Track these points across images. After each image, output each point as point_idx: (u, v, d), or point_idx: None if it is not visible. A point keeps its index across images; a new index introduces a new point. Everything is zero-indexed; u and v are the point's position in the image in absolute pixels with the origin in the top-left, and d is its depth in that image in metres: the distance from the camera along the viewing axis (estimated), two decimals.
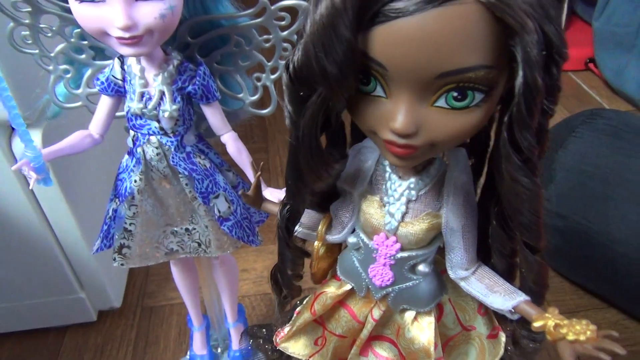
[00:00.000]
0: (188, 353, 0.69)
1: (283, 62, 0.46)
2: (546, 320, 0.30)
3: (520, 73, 0.23)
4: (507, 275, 0.34)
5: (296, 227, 0.37)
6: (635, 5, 1.22)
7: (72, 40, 0.44)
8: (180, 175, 0.44)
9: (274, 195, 0.43)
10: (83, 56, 0.45)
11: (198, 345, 0.67)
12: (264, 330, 0.46)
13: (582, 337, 0.28)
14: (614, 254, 0.71)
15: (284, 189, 0.45)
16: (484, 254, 0.35)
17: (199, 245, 0.50)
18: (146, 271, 0.88)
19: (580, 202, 0.75)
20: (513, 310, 0.33)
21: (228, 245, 0.50)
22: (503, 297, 0.33)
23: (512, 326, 0.37)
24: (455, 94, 0.25)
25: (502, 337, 0.39)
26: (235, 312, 0.65)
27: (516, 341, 0.37)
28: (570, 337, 0.28)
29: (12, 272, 0.69)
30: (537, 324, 0.30)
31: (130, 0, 0.34)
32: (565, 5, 1.46)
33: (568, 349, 0.29)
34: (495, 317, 0.40)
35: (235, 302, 0.64)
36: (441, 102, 0.25)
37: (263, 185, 0.45)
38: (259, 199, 0.38)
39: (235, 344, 0.67)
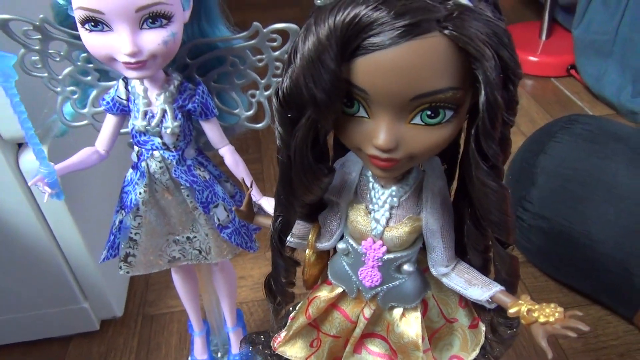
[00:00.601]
0: (189, 358, 0.71)
1: (275, 79, 0.49)
2: (520, 306, 0.33)
3: (483, 92, 0.27)
4: (483, 269, 0.38)
5: (288, 238, 0.40)
6: (612, 14, 1.27)
7: (79, 63, 0.47)
8: (181, 187, 0.47)
9: (270, 203, 0.47)
10: (89, 78, 0.48)
11: (199, 350, 0.70)
12: (262, 336, 0.48)
13: (551, 319, 0.31)
14: (594, 253, 0.75)
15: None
16: (461, 251, 0.38)
17: (200, 252, 0.53)
18: (146, 280, 0.90)
19: (561, 204, 0.78)
20: (490, 300, 0.36)
21: (227, 252, 0.53)
22: (481, 288, 0.36)
23: (490, 315, 0.40)
24: (428, 113, 0.29)
25: (482, 327, 0.43)
26: (234, 317, 0.68)
27: (494, 329, 0.40)
28: (542, 319, 0.31)
29: (19, 284, 0.71)
30: (512, 310, 0.34)
31: (135, 29, 0.38)
32: (547, 14, 1.51)
33: (540, 330, 0.32)
34: (474, 309, 0.43)
35: (234, 307, 0.67)
36: (417, 120, 0.29)
37: (258, 195, 0.48)
38: (251, 214, 0.41)
39: (234, 348, 0.70)
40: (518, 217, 0.83)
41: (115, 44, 0.38)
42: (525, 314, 0.33)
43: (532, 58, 1.46)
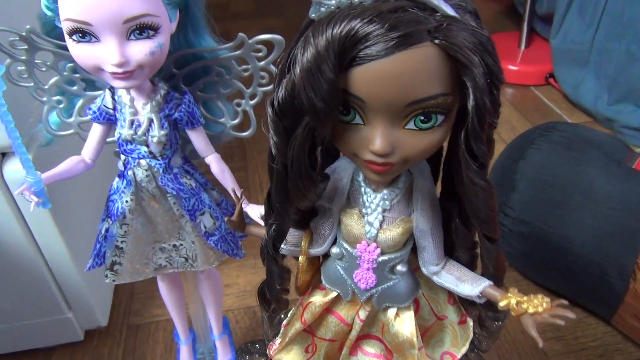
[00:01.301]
0: None
1: (261, 89, 0.50)
2: (509, 299, 0.35)
3: (472, 97, 0.29)
4: (470, 265, 0.39)
5: (282, 245, 0.40)
6: (587, 24, 1.31)
7: (65, 73, 0.47)
8: (168, 195, 0.48)
9: (255, 210, 0.47)
10: (75, 88, 0.49)
11: (185, 359, 0.70)
12: (257, 345, 0.49)
13: (539, 309, 0.32)
14: (573, 256, 0.77)
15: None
16: (448, 249, 0.39)
17: (186, 260, 0.53)
18: (131, 290, 0.90)
19: (541, 209, 0.80)
20: (480, 295, 0.37)
21: (213, 259, 0.53)
22: (471, 284, 0.37)
23: (477, 310, 0.42)
24: (422, 118, 0.30)
25: (470, 322, 0.44)
26: (221, 325, 0.68)
27: (482, 323, 0.42)
28: (531, 310, 0.33)
29: (2, 295, 0.70)
30: (502, 303, 0.35)
31: (122, 39, 0.38)
32: (526, 25, 1.55)
33: (530, 320, 0.33)
34: (462, 305, 0.44)
35: (220, 315, 0.67)
36: (410, 125, 0.30)
37: (245, 203, 0.49)
38: (242, 224, 0.42)
39: (221, 356, 0.70)
40: (500, 223, 0.84)
41: (102, 54, 0.38)
42: (514, 306, 0.34)
43: (511, 67, 1.49)
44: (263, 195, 1.12)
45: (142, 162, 0.46)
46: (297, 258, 0.42)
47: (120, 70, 0.38)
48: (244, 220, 0.42)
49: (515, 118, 1.34)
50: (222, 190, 0.53)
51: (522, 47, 1.57)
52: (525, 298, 0.34)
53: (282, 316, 0.47)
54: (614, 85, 1.26)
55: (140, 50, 0.39)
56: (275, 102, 0.31)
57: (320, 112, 0.29)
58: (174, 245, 0.52)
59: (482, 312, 0.41)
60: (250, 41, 0.46)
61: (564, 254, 0.78)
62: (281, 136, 0.32)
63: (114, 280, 0.51)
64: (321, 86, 0.28)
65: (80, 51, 0.39)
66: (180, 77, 0.49)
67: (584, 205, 0.76)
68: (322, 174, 0.36)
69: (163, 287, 0.62)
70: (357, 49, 0.28)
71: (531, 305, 0.33)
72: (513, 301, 0.34)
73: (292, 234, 0.41)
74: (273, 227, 0.38)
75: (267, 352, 0.47)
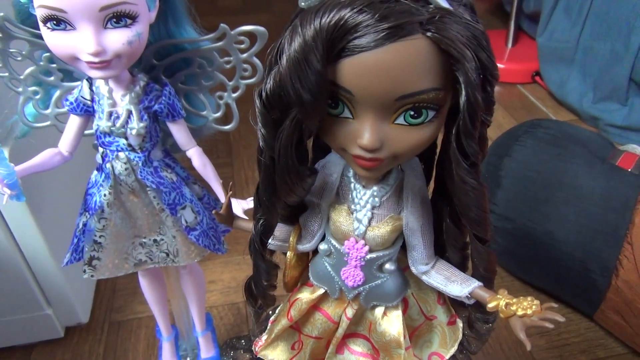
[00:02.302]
0: None
1: (243, 81, 0.49)
2: (498, 301, 0.34)
3: (464, 93, 0.28)
4: (461, 266, 0.39)
5: (270, 240, 0.40)
6: (573, 23, 1.32)
7: (41, 63, 0.46)
8: (148, 189, 0.47)
9: (237, 206, 0.47)
10: (52, 78, 0.47)
11: (167, 356, 0.69)
12: (243, 341, 0.48)
13: (529, 311, 0.32)
14: (556, 252, 0.77)
15: (249, 199, 0.49)
16: (439, 249, 0.39)
17: (167, 255, 0.52)
18: (113, 286, 0.88)
19: (525, 205, 0.81)
20: (469, 296, 0.37)
21: (195, 255, 0.52)
22: (460, 285, 0.37)
23: (467, 312, 0.41)
24: (412, 113, 0.29)
25: (460, 323, 0.44)
26: (203, 321, 0.67)
27: (471, 324, 0.42)
28: (520, 312, 0.32)
29: None
30: (491, 305, 0.34)
31: (99, 28, 0.37)
32: (512, 23, 1.56)
33: (519, 323, 0.33)
34: (452, 306, 0.43)
35: (203, 311, 0.66)
36: (400, 120, 0.30)
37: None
38: (230, 218, 0.41)
39: (204, 352, 0.69)
40: (491, 224, 0.85)
41: (78, 43, 0.37)
42: (503, 307, 0.34)
43: (498, 65, 1.47)
44: (249, 192, 1.11)
45: (121, 154, 0.45)
46: (285, 254, 0.41)
47: (96, 59, 0.37)
48: (232, 213, 0.41)
49: (501, 115, 1.35)
50: (204, 185, 0.52)
51: (509, 45, 1.58)
52: (514, 300, 0.33)
53: (270, 312, 0.46)
54: (598, 83, 1.27)
55: (118, 39, 0.38)
56: (264, 94, 0.30)
57: (307, 104, 0.29)
58: (155, 240, 0.51)
59: (472, 313, 0.41)
60: (232, 32, 0.46)
61: (548, 250, 0.78)
62: (269, 129, 0.32)
63: (92, 276, 0.50)
64: (308, 77, 0.28)
65: (54, 39, 0.38)
66: (161, 69, 0.48)
67: (567, 201, 0.77)
68: (310, 169, 0.35)
69: (144, 283, 0.61)
70: (346, 39, 0.27)
71: (520, 308, 0.32)
72: (502, 303, 0.34)
73: (281, 229, 0.40)
74: (261, 222, 0.38)
75: (253, 348, 0.46)
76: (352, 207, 0.37)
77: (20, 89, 0.47)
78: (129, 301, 0.86)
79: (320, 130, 0.32)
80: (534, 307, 0.32)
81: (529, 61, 1.49)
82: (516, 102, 1.43)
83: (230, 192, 0.39)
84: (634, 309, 0.71)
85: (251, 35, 0.46)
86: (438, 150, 0.36)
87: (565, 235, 0.76)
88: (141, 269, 0.53)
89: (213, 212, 0.43)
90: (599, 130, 1.26)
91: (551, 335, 0.80)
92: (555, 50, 1.37)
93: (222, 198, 0.47)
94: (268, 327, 0.44)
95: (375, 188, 0.36)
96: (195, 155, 0.49)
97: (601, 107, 1.26)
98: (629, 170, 0.77)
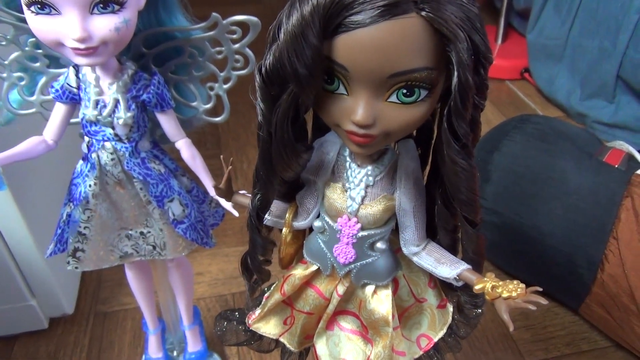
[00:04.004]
0: (143, 357, 0.69)
1: (235, 72, 0.48)
2: (485, 283, 0.35)
3: (455, 73, 0.28)
4: (451, 248, 0.39)
5: (266, 216, 0.40)
6: (563, 20, 1.32)
7: (27, 48, 0.45)
8: (134, 180, 0.46)
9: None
10: (37, 64, 0.46)
11: (153, 349, 0.68)
12: (236, 313, 0.49)
13: (514, 294, 0.33)
14: (543, 246, 0.78)
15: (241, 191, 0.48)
16: (431, 233, 0.39)
17: (154, 248, 0.51)
18: (99, 277, 0.87)
19: (513, 199, 0.81)
20: (458, 278, 0.37)
21: (182, 248, 0.52)
22: (449, 267, 0.38)
23: (457, 295, 0.42)
24: (404, 91, 0.30)
25: (450, 308, 0.44)
26: (191, 315, 0.67)
27: (460, 309, 0.42)
28: (505, 294, 0.33)
29: None
30: (477, 287, 0.35)
31: (85, 13, 0.36)
32: (502, 20, 1.56)
33: (503, 305, 0.34)
34: (443, 289, 0.44)
35: (190, 305, 0.66)
36: (393, 98, 0.30)
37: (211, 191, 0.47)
38: (230, 191, 0.41)
39: (191, 346, 0.69)
40: (480, 207, 0.85)
41: (63, 28, 0.36)
42: (489, 290, 0.34)
43: None
44: (237, 184, 1.10)
45: (107, 144, 0.44)
46: (282, 230, 0.42)
47: (82, 46, 0.36)
48: (231, 187, 0.41)
49: (490, 111, 1.35)
50: (193, 177, 0.51)
51: (499, 41, 1.59)
52: (500, 283, 0.34)
53: (266, 289, 0.47)
54: (586, 80, 1.28)
55: (104, 25, 0.37)
56: (263, 69, 0.31)
57: (303, 78, 0.29)
58: (141, 233, 0.50)
59: (461, 297, 0.41)
60: (224, 22, 0.45)
61: (535, 244, 0.79)
62: (268, 103, 0.32)
63: (76, 268, 0.49)
64: (304, 52, 0.28)
65: (39, 24, 0.36)
66: (151, 57, 0.47)
67: (555, 196, 0.78)
68: (305, 145, 0.35)
69: (131, 275, 0.60)
70: (342, 15, 0.27)
71: (505, 290, 0.33)
72: (488, 285, 0.34)
73: (278, 206, 0.41)
74: (258, 197, 0.38)
75: (246, 321, 0.46)
76: (347, 185, 0.37)
77: (4, 75, 0.46)
78: (115, 292, 0.85)
79: (316, 105, 0.33)
80: (519, 290, 0.33)
81: (518, 58, 1.49)
82: (505, 98, 1.44)
83: (230, 166, 0.39)
84: (618, 303, 0.72)
85: (244, 26, 0.45)
86: (435, 135, 0.36)
87: (553, 230, 0.77)
88: (127, 261, 0.52)
89: (212, 184, 0.42)
90: (586, 127, 1.27)
91: (536, 329, 0.81)
92: (544, 47, 1.38)
93: (211, 191, 0.47)
94: (263, 302, 0.45)
95: (369, 167, 0.36)
96: (184, 147, 0.48)
97: (589, 104, 1.28)
98: (616, 166, 0.78)
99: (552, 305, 0.85)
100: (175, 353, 0.71)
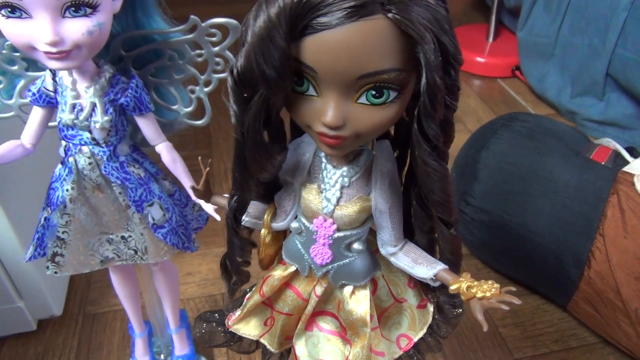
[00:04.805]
0: None
1: (216, 75, 0.48)
2: (460, 283, 0.35)
3: (424, 74, 0.28)
4: (429, 249, 0.39)
5: (244, 217, 0.40)
6: (553, 18, 1.32)
7: (4, 51, 0.44)
8: (113, 184, 0.46)
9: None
10: (15, 67, 0.46)
11: (140, 352, 0.68)
12: (216, 314, 0.49)
13: (488, 294, 0.33)
14: (531, 244, 0.78)
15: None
16: (409, 234, 0.39)
17: (135, 252, 0.51)
18: (88, 278, 0.87)
19: (501, 197, 0.81)
20: (434, 278, 0.38)
21: (165, 252, 0.51)
22: (426, 267, 0.38)
23: (436, 295, 0.42)
24: (373, 92, 0.30)
25: (430, 308, 0.45)
26: (177, 318, 0.66)
27: (440, 309, 0.43)
28: (479, 294, 0.33)
29: None
30: (453, 287, 0.35)
31: (57, 16, 0.36)
32: (493, 17, 1.56)
33: (477, 304, 0.34)
34: (422, 290, 0.44)
35: (176, 308, 0.65)
36: (363, 99, 0.30)
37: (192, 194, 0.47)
38: (208, 193, 0.41)
39: (178, 350, 0.69)
40: (461, 211, 0.85)
41: (34, 32, 0.36)
42: (464, 290, 0.34)
43: (479, 59, 1.50)
44: (228, 184, 1.10)
45: (84, 148, 0.44)
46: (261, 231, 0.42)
47: (54, 49, 0.36)
48: (210, 189, 0.41)
49: (481, 109, 1.36)
50: (176, 181, 0.51)
51: (490, 39, 1.59)
52: (475, 283, 0.34)
53: (248, 290, 0.47)
54: (576, 78, 1.28)
55: (77, 29, 0.36)
56: (235, 71, 0.31)
57: (271, 80, 0.29)
58: (123, 237, 0.50)
59: (440, 297, 0.42)
60: (203, 24, 0.45)
61: (523, 242, 0.79)
62: (240, 106, 0.32)
63: (55, 272, 0.48)
64: (271, 54, 0.28)
65: (10, 27, 0.36)
66: (130, 61, 0.47)
67: (543, 194, 0.78)
68: (280, 146, 0.35)
69: (115, 278, 0.60)
70: (309, 17, 0.27)
71: (480, 290, 0.33)
72: (464, 285, 0.35)
73: (256, 207, 0.41)
74: (235, 198, 0.38)
75: (226, 323, 0.47)
76: (322, 186, 0.37)
77: None
78: (104, 293, 0.85)
79: (287, 107, 0.33)
80: (493, 289, 0.33)
81: (509, 55, 1.49)
82: (496, 96, 1.44)
83: (208, 168, 0.39)
84: (604, 299, 0.73)
85: (223, 28, 0.45)
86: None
87: (540, 228, 0.77)
88: (108, 266, 0.52)
89: (190, 186, 0.43)
90: (577, 124, 1.27)
91: (526, 326, 0.82)
92: (534, 44, 1.38)
93: (192, 195, 0.47)
94: (243, 303, 0.45)
95: (345, 168, 0.36)
96: (165, 151, 0.48)
97: (578, 101, 1.28)
98: (603, 163, 0.78)
99: (541, 302, 0.85)
100: (162, 357, 0.71)
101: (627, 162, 0.79)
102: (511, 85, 1.48)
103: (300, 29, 0.28)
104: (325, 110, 0.30)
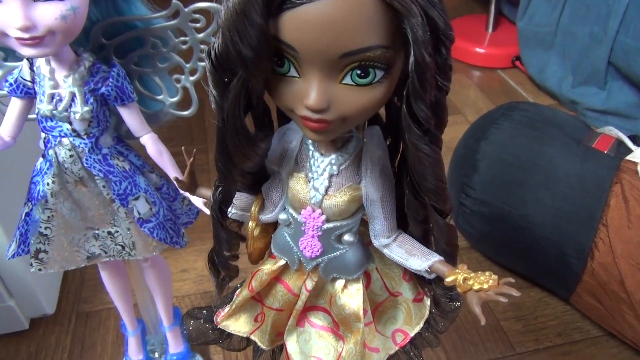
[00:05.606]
0: (124, 359, 0.68)
1: (202, 63, 0.47)
2: (456, 275, 0.33)
3: (412, 52, 0.27)
4: (423, 240, 0.38)
5: (230, 209, 0.39)
6: (553, 7, 1.30)
7: None
8: (96, 177, 0.44)
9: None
10: None
11: (133, 350, 0.67)
12: (204, 311, 0.47)
13: (485, 286, 0.31)
14: (532, 236, 0.77)
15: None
16: (403, 224, 0.38)
17: (123, 248, 0.50)
18: (81, 276, 0.86)
19: (501, 188, 0.80)
20: (429, 270, 0.36)
21: (153, 248, 0.50)
22: (420, 259, 0.36)
23: (432, 288, 0.40)
24: (358, 72, 0.28)
25: (427, 301, 0.43)
26: (171, 315, 0.65)
27: (437, 302, 0.41)
28: (476, 286, 0.32)
29: None
30: (449, 279, 0.34)
31: (28, 0, 0.34)
32: (493, 7, 1.54)
33: (475, 297, 0.32)
34: (418, 283, 0.42)
35: (169, 305, 0.64)
36: (347, 80, 0.28)
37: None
38: (193, 185, 0.40)
39: (172, 348, 0.67)
40: (461, 204, 0.84)
41: (4, 17, 0.34)
42: (461, 282, 0.33)
43: (479, 50, 1.48)
44: None
45: (65, 140, 0.42)
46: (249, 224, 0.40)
47: (26, 35, 0.34)
48: (195, 180, 0.40)
49: (481, 100, 1.34)
50: (163, 174, 0.50)
51: (490, 30, 1.57)
52: (472, 274, 0.33)
53: (238, 285, 0.45)
54: (577, 67, 1.26)
55: (50, 13, 0.35)
56: (213, 53, 0.29)
57: (249, 60, 0.27)
58: (109, 232, 0.49)
59: (436, 290, 0.40)
60: (186, 10, 0.43)
61: (524, 233, 0.78)
62: (220, 89, 0.30)
63: (40, 270, 0.47)
64: (247, 31, 0.26)
65: None
66: (112, 49, 0.45)
67: (543, 184, 0.76)
68: (264, 133, 0.34)
69: (105, 276, 0.58)
70: None
71: (477, 282, 0.32)
72: (460, 277, 0.33)
73: (242, 199, 0.39)
74: (219, 190, 0.37)
75: (214, 319, 0.45)
76: (310, 175, 0.35)
77: None
78: (97, 291, 0.84)
79: (268, 90, 0.31)
80: (490, 281, 0.31)
81: (509, 46, 1.47)
82: (496, 86, 1.42)
83: (192, 158, 0.38)
84: (608, 291, 0.71)
85: (207, 14, 0.43)
86: None
87: (542, 219, 0.76)
88: (95, 262, 0.51)
89: (173, 177, 0.41)
90: (578, 114, 1.26)
91: (528, 319, 0.80)
92: (535, 34, 1.36)
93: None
94: (232, 299, 0.44)
95: (333, 156, 0.35)
96: (150, 142, 0.46)
97: (580, 91, 1.26)
98: (605, 152, 0.77)
99: (544, 295, 0.84)
100: (156, 354, 0.69)
101: (630, 151, 0.77)
102: (511, 75, 1.46)
103: (278, 4, 0.26)
104: (308, 92, 0.28)
